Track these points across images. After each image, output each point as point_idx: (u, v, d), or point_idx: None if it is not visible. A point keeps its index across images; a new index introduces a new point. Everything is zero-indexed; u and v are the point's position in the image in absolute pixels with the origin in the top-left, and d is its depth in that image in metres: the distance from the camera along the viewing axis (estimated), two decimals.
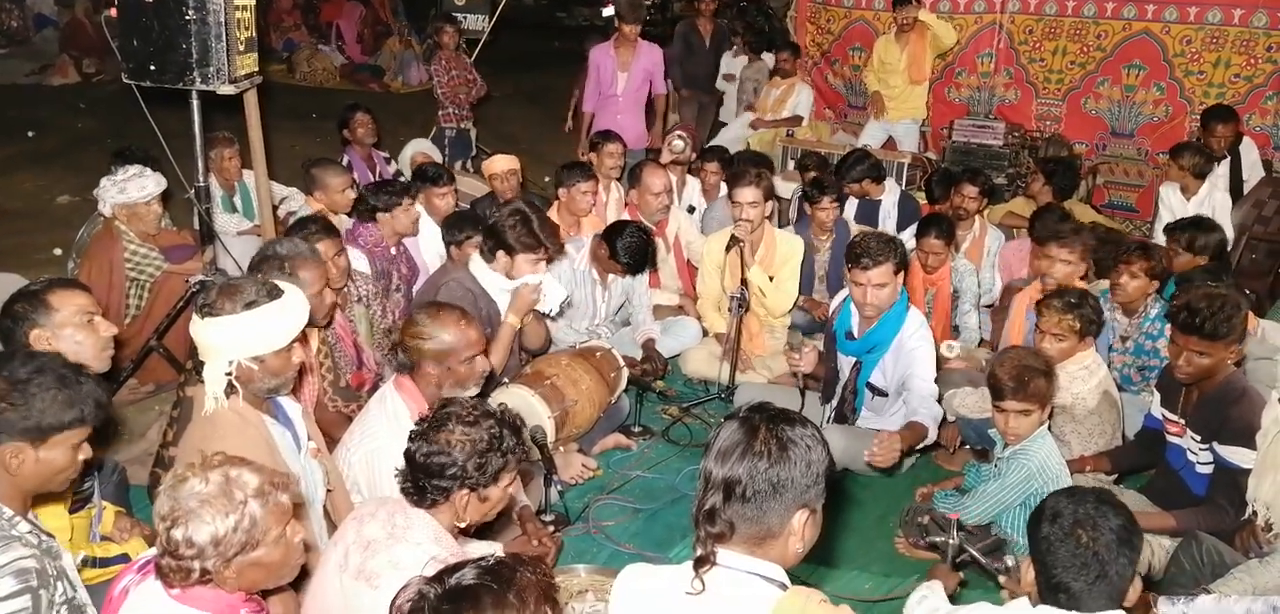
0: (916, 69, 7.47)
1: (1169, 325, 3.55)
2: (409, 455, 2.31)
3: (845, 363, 4.16)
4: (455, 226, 4.49)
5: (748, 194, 4.74)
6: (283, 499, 1.97)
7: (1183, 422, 3.48)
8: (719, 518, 1.83)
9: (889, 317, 3.94)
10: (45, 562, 2.09)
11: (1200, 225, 4.79)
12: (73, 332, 2.85)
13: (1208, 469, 3.37)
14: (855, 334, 4.07)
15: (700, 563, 1.85)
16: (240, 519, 1.87)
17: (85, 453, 2.27)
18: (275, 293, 2.56)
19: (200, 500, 1.85)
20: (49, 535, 2.23)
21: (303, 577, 2.22)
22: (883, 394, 4.06)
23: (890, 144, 7.59)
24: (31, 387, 2.14)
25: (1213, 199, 5.74)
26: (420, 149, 6.67)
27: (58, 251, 5.82)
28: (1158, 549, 3.30)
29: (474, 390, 3.03)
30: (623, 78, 7.02)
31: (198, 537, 1.84)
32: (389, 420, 2.88)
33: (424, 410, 2.62)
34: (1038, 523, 2.14)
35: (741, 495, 1.81)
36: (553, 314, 4.35)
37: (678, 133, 6.54)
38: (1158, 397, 3.65)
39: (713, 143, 7.49)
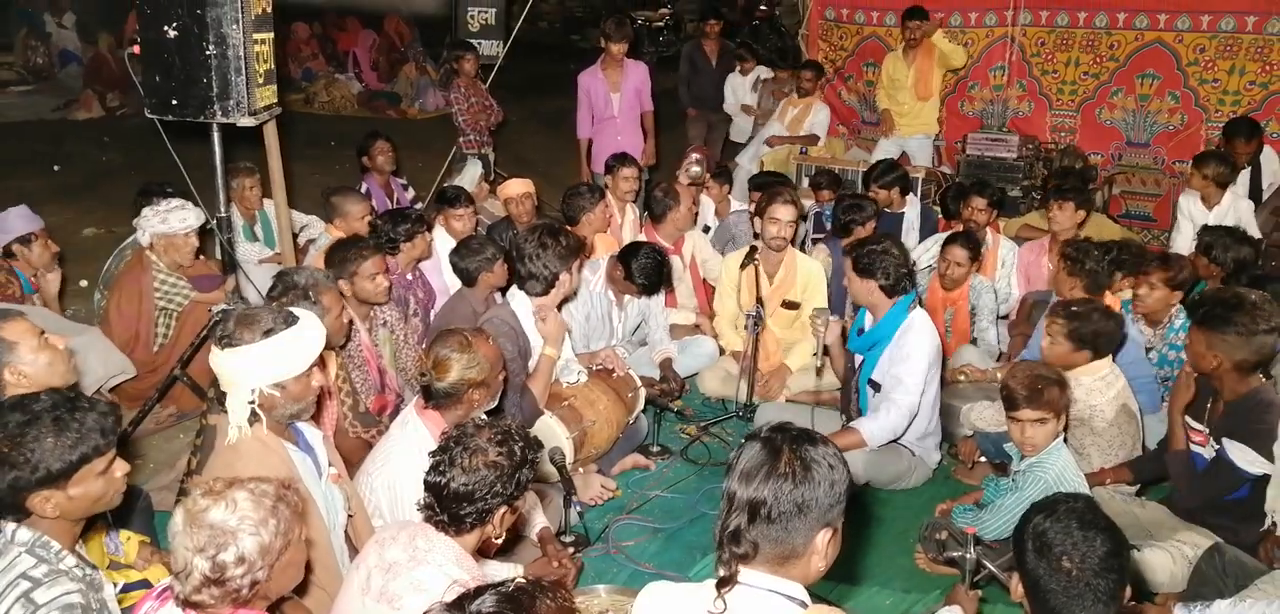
0: (923, 85, 7.49)
1: None
2: (440, 488, 2.31)
3: (856, 361, 4.20)
4: (469, 252, 4.50)
5: (786, 212, 4.81)
6: (295, 499, 2.04)
7: (1207, 431, 3.46)
8: (743, 539, 1.85)
9: (892, 313, 3.98)
10: (89, 596, 2.13)
11: (1231, 235, 4.76)
12: (34, 356, 2.84)
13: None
14: (864, 330, 4.13)
15: (723, 583, 1.87)
16: (278, 522, 1.94)
17: (121, 469, 2.27)
18: (291, 319, 2.60)
19: (238, 518, 1.90)
20: (93, 567, 2.27)
21: (305, 583, 2.26)
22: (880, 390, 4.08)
23: (904, 159, 7.59)
24: (29, 439, 2.12)
25: (1237, 208, 5.70)
26: (475, 174, 6.68)
27: (84, 283, 5.91)
28: (1180, 560, 3.27)
29: (491, 405, 3.08)
30: (616, 99, 7.08)
31: (248, 550, 1.89)
32: (411, 446, 2.90)
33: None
34: (1022, 551, 2.11)
35: (766, 517, 1.83)
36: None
37: (695, 157, 6.56)
38: None
39: (723, 164, 7.53)
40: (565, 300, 4.40)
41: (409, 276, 4.78)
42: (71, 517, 2.21)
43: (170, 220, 4.57)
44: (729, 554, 1.87)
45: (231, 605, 1.93)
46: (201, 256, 5.01)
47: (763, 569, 1.87)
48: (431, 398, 2.99)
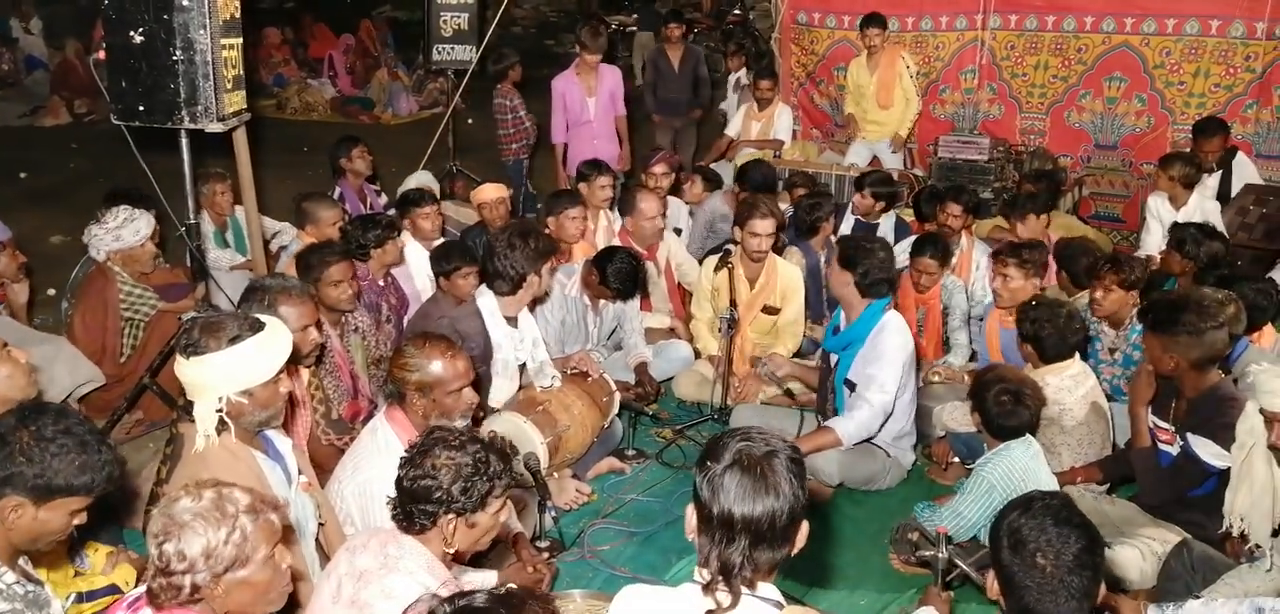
0: (884, 94, 7.56)
1: None
2: (398, 481, 2.33)
3: (831, 361, 4.23)
4: (443, 257, 4.49)
5: (765, 225, 4.81)
6: (272, 518, 1.99)
7: (1174, 429, 3.51)
8: (748, 564, 1.86)
9: (866, 314, 4.01)
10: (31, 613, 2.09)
11: (1201, 230, 4.82)
12: None
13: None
14: (840, 329, 4.16)
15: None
16: (231, 531, 1.90)
17: (80, 519, 2.24)
18: (257, 326, 2.57)
19: (192, 514, 1.88)
20: (37, 582, 2.22)
21: (291, 608, 2.22)
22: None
23: (875, 163, 7.64)
24: (54, 445, 2.11)
25: (1203, 208, 5.78)
26: (424, 182, 6.64)
27: (51, 291, 5.83)
28: (1150, 556, 3.32)
29: (462, 422, 3.04)
30: (592, 103, 7.09)
31: (190, 549, 1.86)
32: (380, 451, 2.89)
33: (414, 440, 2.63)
34: (997, 548, 2.13)
35: (770, 540, 1.86)
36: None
37: (659, 163, 6.46)
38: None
39: (708, 166, 7.53)
40: (536, 302, 4.39)
41: (381, 282, 4.74)
42: (19, 538, 2.15)
43: (124, 235, 4.48)
44: (734, 582, 1.87)
45: (176, 603, 1.89)
46: (168, 264, 4.95)
47: (756, 580, 1.90)
48: (395, 399, 3.01)
